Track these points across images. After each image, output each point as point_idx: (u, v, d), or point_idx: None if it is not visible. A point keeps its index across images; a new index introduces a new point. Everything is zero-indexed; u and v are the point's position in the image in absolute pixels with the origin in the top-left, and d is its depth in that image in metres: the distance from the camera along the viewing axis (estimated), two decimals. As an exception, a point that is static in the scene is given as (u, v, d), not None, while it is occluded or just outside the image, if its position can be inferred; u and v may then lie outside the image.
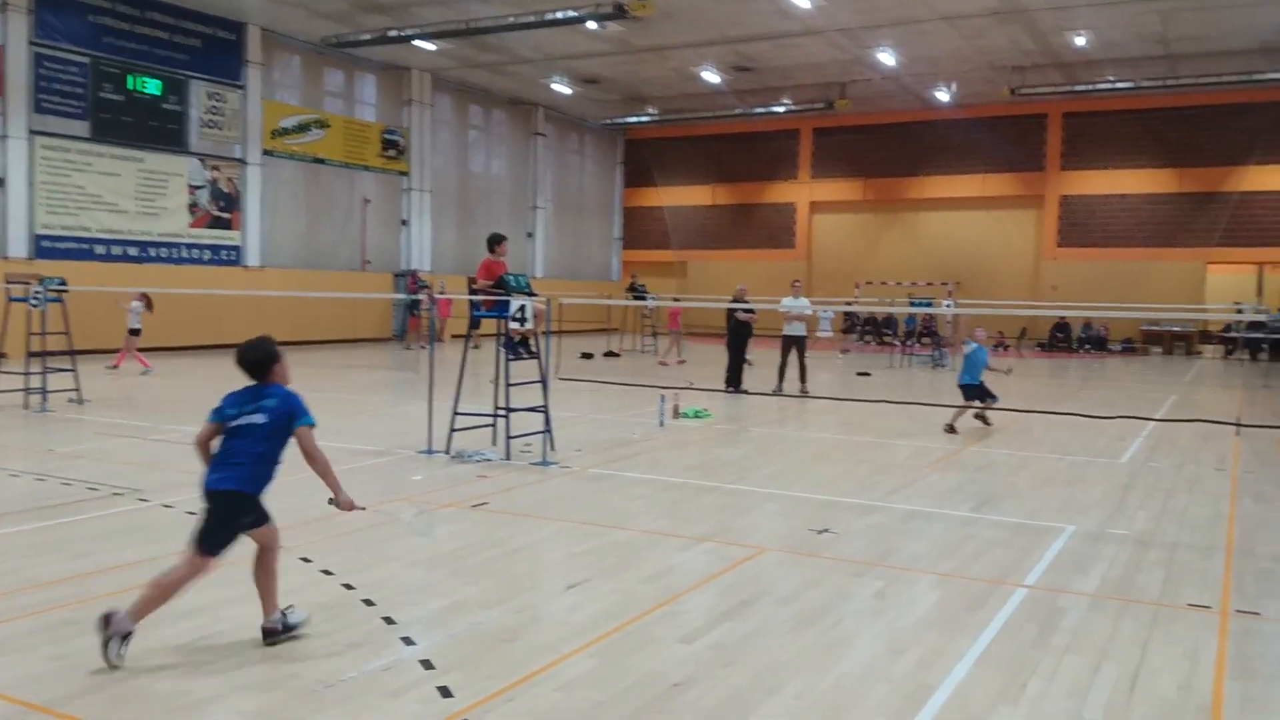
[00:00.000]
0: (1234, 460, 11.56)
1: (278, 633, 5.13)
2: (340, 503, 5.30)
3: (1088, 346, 33.06)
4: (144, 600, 4.89)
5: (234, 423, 5.13)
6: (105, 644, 4.73)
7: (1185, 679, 4.91)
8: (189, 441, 11.32)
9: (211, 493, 5.08)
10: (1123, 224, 33.94)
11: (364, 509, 5.54)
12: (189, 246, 25.56)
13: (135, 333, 19.15)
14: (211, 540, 5.03)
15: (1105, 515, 8.58)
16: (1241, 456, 11.84)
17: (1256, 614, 5.96)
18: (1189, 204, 32.90)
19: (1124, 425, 13.89)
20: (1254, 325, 29.89)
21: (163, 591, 4.95)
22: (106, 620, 4.75)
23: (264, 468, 5.13)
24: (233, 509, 5.08)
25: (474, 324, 11.55)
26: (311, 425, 5.18)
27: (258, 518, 5.17)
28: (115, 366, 19.18)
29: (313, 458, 5.14)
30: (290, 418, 5.13)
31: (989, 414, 13.81)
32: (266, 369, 5.24)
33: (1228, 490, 9.81)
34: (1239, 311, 28.99)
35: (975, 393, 13.59)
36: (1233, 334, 31.24)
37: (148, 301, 19.23)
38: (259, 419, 5.09)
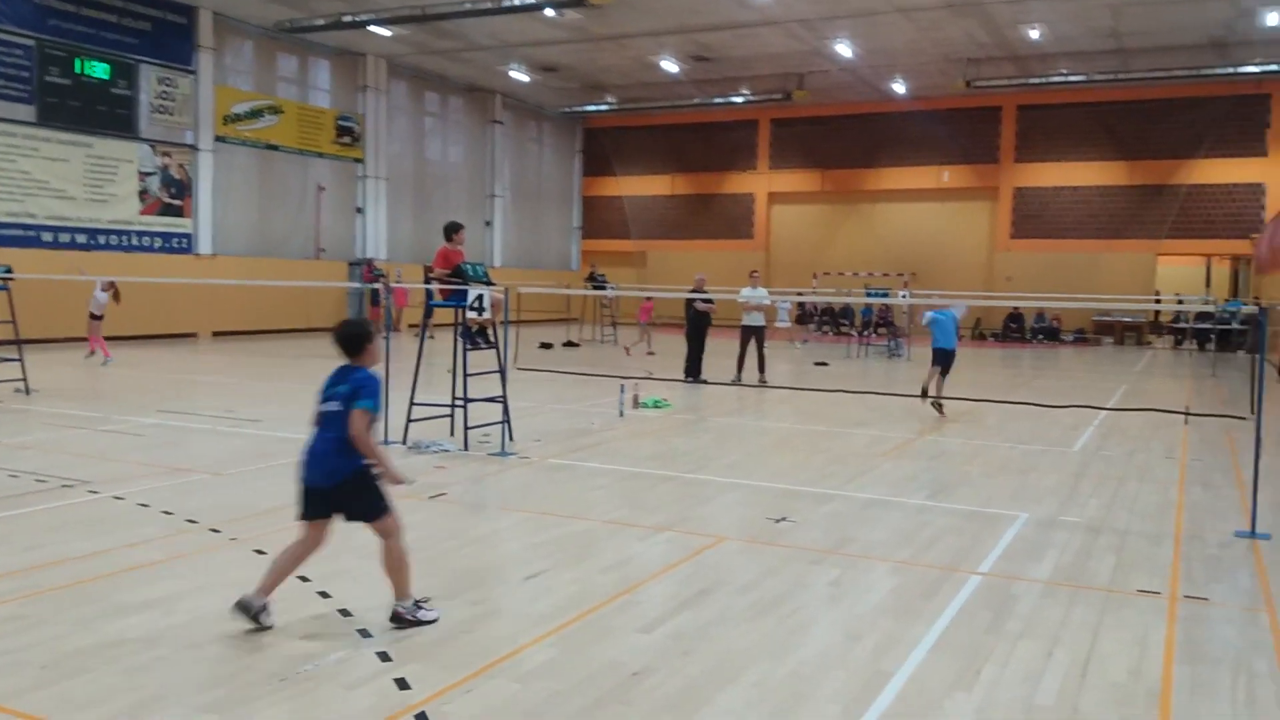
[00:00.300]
0: (1183, 449, 11.79)
1: (405, 620, 5.25)
2: (390, 476, 5.34)
3: (1041, 337, 33.52)
4: (396, 578, 5.25)
5: (319, 408, 5.30)
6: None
7: (1135, 664, 5.00)
8: (138, 433, 11.20)
9: (329, 488, 5.19)
10: (1075, 216, 34.42)
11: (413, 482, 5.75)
12: (139, 234, 25.11)
13: (97, 318, 18.74)
14: (377, 506, 5.23)
15: (1058, 503, 8.71)
16: (1190, 445, 12.07)
17: (1204, 599, 6.08)
18: (1140, 196, 33.44)
19: (1076, 414, 14.10)
20: (1202, 316, 30.51)
21: (401, 567, 5.28)
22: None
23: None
24: (361, 483, 5.22)
25: (428, 313, 11.45)
26: (370, 410, 5.20)
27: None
28: (99, 355, 18.72)
29: (356, 439, 5.15)
30: (353, 399, 5.17)
31: (944, 404, 13.97)
32: (359, 347, 5.35)
33: (1177, 478, 9.99)
34: (1179, 302, 29.57)
35: (946, 358, 13.87)
36: (1182, 325, 31.84)
37: (115, 292, 18.79)
38: (334, 406, 5.21)
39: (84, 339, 19.27)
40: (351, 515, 5.25)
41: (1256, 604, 6.03)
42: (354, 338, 5.36)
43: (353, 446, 5.13)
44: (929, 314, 14.29)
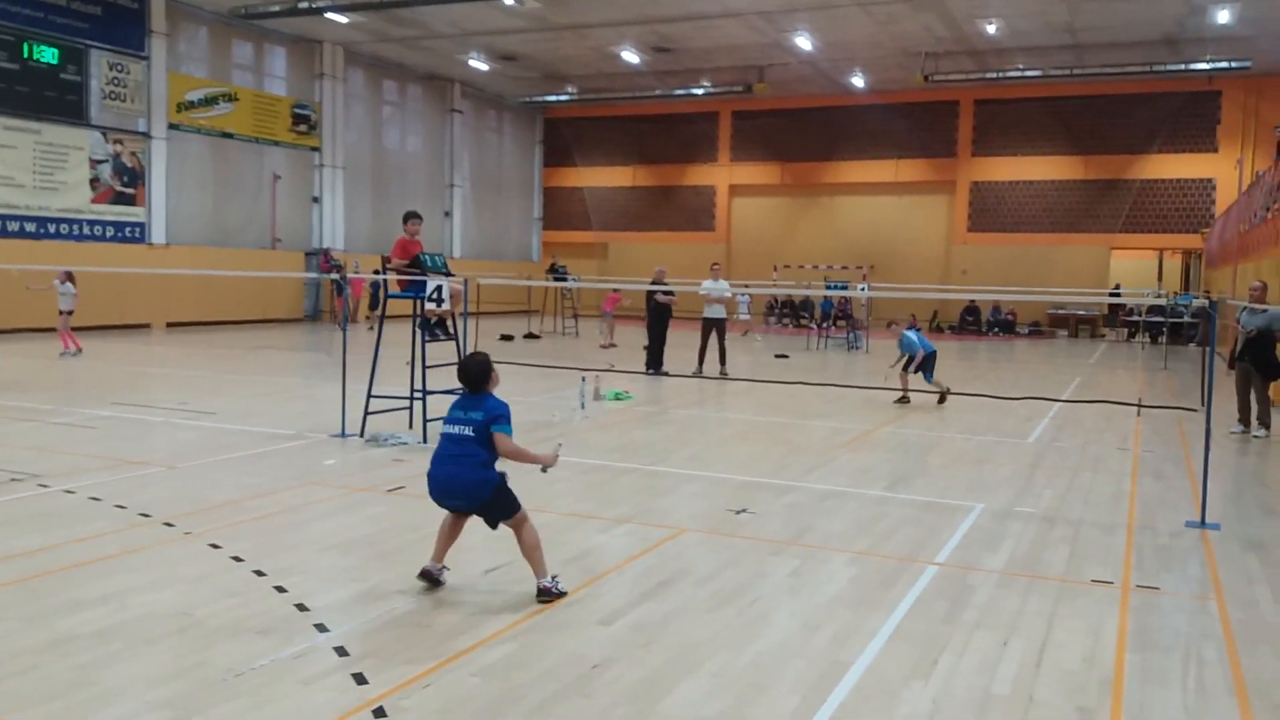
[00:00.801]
0: (1135, 440, 11.98)
1: (551, 594, 5.60)
2: (547, 464, 5.90)
3: (996, 329, 33.91)
4: (534, 563, 5.66)
5: (447, 430, 5.71)
6: None
7: (1089, 652, 5.07)
8: (91, 425, 11.00)
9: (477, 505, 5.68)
10: (1031, 210, 34.85)
11: (558, 453, 6.03)
12: (90, 223, 24.66)
13: (68, 313, 18.23)
14: (509, 507, 5.67)
15: (1013, 494, 8.82)
16: (1142, 436, 12.27)
17: (1156, 589, 6.18)
18: (1094, 191, 33.92)
19: (1031, 406, 14.29)
20: (1153, 309, 31.01)
21: (536, 550, 5.68)
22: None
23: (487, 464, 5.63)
24: (501, 497, 5.64)
25: (374, 304, 11.32)
26: (508, 434, 5.62)
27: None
28: (77, 351, 18.17)
29: (517, 456, 5.70)
30: (490, 425, 5.59)
31: (943, 389, 14.40)
32: (483, 380, 5.75)
33: (1129, 469, 10.15)
34: (1115, 295, 30.00)
35: (923, 362, 14.26)
36: (1135, 318, 32.34)
37: (72, 278, 18.24)
38: (468, 431, 5.60)
39: (49, 330, 18.79)
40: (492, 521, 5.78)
41: (1206, 592, 6.15)
42: (477, 375, 5.76)
43: (489, 466, 5.62)
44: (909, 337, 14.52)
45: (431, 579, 5.74)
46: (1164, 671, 4.86)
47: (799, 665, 4.79)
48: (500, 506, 5.65)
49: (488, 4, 25.27)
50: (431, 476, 5.65)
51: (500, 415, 5.61)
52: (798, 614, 5.52)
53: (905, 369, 14.37)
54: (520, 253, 41.93)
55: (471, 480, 5.55)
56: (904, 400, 14.37)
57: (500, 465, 5.65)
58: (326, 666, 4.63)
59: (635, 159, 40.81)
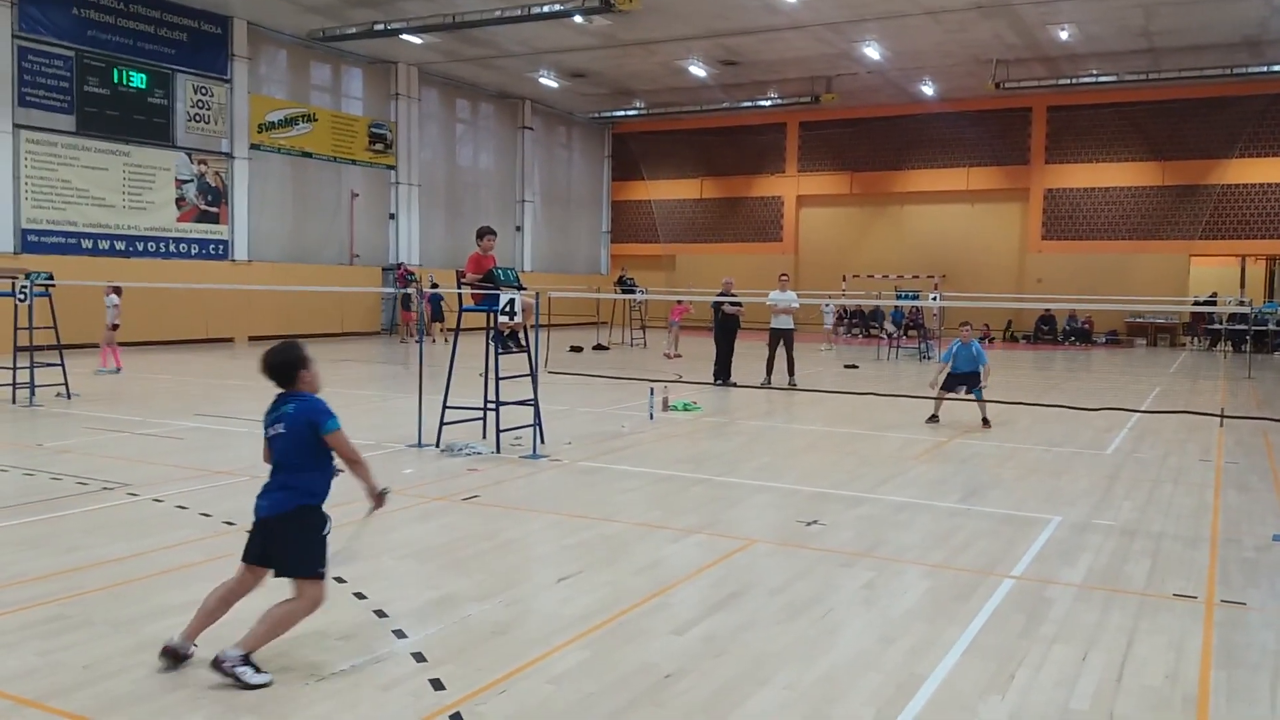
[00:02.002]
0: (1218, 451, 11.66)
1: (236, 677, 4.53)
2: (375, 500, 4.97)
3: (1073, 339, 33.22)
4: (255, 635, 4.61)
5: (267, 434, 4.86)
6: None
7: (1172, 668, 4.96)
8: (177, 436, 11.34)
9: (267, 520, 4.80)
10: (1106, 217, 34.11)
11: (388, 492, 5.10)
12: (176, 241, 25.46)
13: (115, 328, 18.41)
14: (309, 562, 4.74)
15: (1091, 506, 8.65)
16: (1225, 447, 11.94)
17: (1242, 604, 6.02)
18: (1172, 197, 33.08)
19: (1109, 417, 13.97)
20: (1236, 317, 30.10)
21: (277, 628, 4.68)
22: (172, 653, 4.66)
23: (307, 478, 4.79)
24: (305, 524, 4.78)
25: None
26: (337, 430, 4.82)
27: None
28: (115, 369, 18.08)
29: (352, 461, 4.84)
30: (313, 426, 4.76)
31: (987, 414, 13.44)
32: (290, 375, 4.86)
33: (1212, 481, 9.89)
34: (1212, 302, 29.19)
35: (962, 380, 13.29)
36: (1216, 326, 31.43)
37: (119, 292, 18.26)
38: (280, 429, 4.78)
39: (127, 344, 18.98)
40: None
41: (1295, 608, 5.97)
42: (283, 366, 4.87)
43: (313, 470, 4.84)
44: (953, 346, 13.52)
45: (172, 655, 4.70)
46: (1251, 689, 4.74)
47: (873, 678, 4.76)
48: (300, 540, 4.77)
49: (557, 22, 25.55)
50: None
51: (323, 412, 4.82)
52: (871, 626, 5.49)
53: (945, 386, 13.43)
54: (589, 266, 42.22)
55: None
56: (934, 419, 13.49)
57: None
58: (405, 672, 4.72)
59: (703, 171, 40.86)
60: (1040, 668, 4.92)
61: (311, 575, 4.73)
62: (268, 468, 4.95)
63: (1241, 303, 30.44)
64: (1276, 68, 27.69)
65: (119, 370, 18.06)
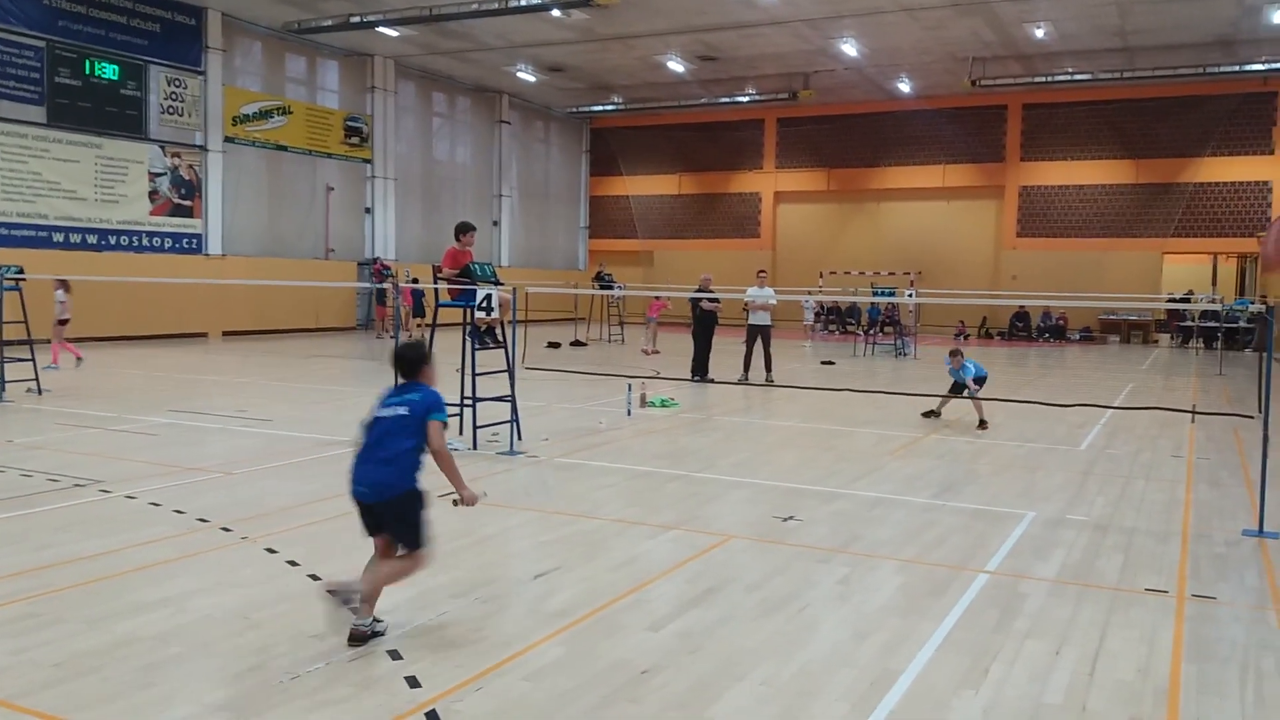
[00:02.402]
0: (1189, 447, 11.78)
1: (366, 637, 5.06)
2: (463, 499, 5.40)
3: (1047, 335, 33.49)
4: (369, 595, 5.08)
5: (378, 414, 5.24)
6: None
7: (1144, 662, 5.01)
8: (151, 432, 11.25)
9: (373, 505, 5.16)
10: (1081, 214, 34.38)
11: (485, 495, 5.72)
12: (149, 234, 25.21)
13: (64, 323, 17.25)
14: (420, 536, 5.19)
15: (1065, 501, 8.72)
16: (1197, 443, 12.07)
17: (1212, 598, 6.09)
18: (1145, 195, 33.38)
19: (1083, 413, 14.10)
20: (1208, 314, 30.44)
21: (390, 579, 5.20)
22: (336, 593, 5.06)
23: (411, 460, 5.19)
24: (414, 504, 5.18)
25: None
26: (441, 422, 5.25)
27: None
28: (77, 361, 17.34)
29: (439, 454, 5.19)
30: (429, 411, 5.20)
31: (984, 416, 13.30)
32: (416, 368, 5.42)
33: (1183, 476, 9.99)
34: (1187, 300, 29.50)
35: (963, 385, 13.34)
36: (1188, 323, 31.77)
37: (66, 287, 17.31)
38: (402, 410, 5.18)
39: (102, 339, 18.62)
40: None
41: (1264, 602, 6.04)
42: (414, 360, 5.48)
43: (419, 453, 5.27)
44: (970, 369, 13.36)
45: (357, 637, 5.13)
46: (1221, 683, 4.79)
47: (848, 673, 4.79)
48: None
49: (535, 16, 25.48)
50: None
51: (440, 405, 5.29)
52: (846, 622, 5.51)
53: (952, 393, 13.61)
54: (567, 261, 42.16)
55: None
56: (935, 414, 13.63)
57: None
58: (381, 670, 4.71)
59: (681, 167, 40.87)
60: (1014, 662, 4.96)
61: (422, 546, 5.20)
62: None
63: (1214, 300, 30.77)
64: (1249, 67, 27.96)
65: (80, 361, 17.17)
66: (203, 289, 25.23)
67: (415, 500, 5.15)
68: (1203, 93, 31.52)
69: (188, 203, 26.11)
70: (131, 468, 9.28)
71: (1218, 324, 29.18)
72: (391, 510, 5.12)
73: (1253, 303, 28.13)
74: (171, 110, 25.54)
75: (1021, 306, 33.67)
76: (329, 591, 5.05)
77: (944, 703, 4.48)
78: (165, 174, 25.51)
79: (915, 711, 4.39)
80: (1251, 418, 12.53)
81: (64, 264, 21.96)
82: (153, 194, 25.23)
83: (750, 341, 17.72)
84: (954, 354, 13.59)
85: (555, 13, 24.83)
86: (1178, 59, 28.49)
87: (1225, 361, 24.58)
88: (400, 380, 5.45)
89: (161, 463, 9.57)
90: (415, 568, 5.22)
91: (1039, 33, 26.43)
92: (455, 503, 5.38)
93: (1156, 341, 32.89)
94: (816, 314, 35.94)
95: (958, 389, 13.58)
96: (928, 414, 13.76)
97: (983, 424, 13.17)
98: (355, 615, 5.04)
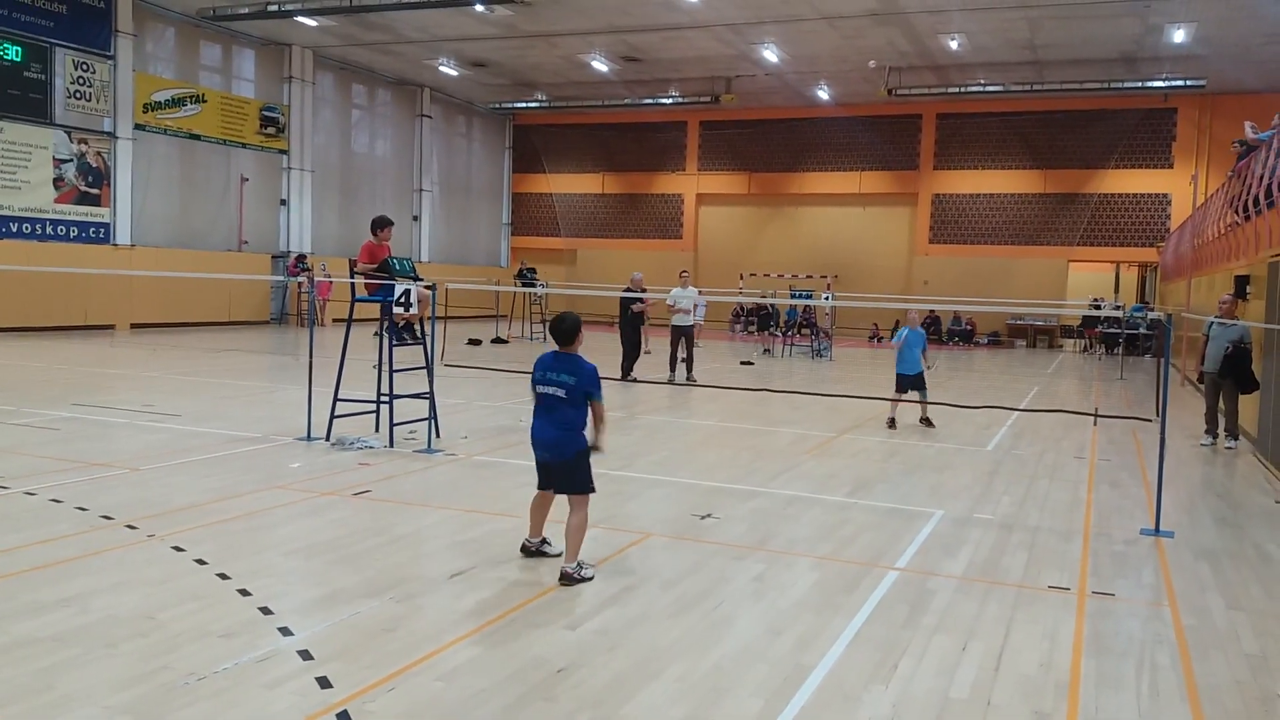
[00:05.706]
0: (1092, 449, 12.18)
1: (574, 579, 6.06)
2: (599, 448, 6.33)
3: (956, 339, 34.29)
4: (571, 549, 6.13)
5: (543, 389, 6.31)
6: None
7: (1046, 657, 5.17)
8: (53, 427, 10.88)
9: (551, 464, 6.32)
10: (991, 222, 35.30)
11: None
12: (54, 223, 24.32)
13: None
14: (588, 483, 6.35)
15: (972, 501, 8.95)
16: (1099, 445, 12.48)
17: (1111, 595, 6.31)
18: (1053, 204, 34.41)
19: (990, 415, 14.47)
20: (1110, 320, 31.48)
21: (581, 533, 6.19)
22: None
23: (579, 427, 6.25)
24: (583, 460, 6.28)
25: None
26: (600, 400, 6.25)
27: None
28: None
29: (600, 420, 6.26)
30: (587, 394, 6.20)
31: (930, 413, 13.41)
32: (572, 337, 6.30)
33: (1085, 477, 10.33)
34: (1098, 306, 30.46)
35: (911, 382, 13.16)
36: (1113, 330, 32.77)
37: None
38: (560, 393, 6.20)
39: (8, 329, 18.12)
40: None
41: (1160, 599, 6.29)
42: (569, 331, 6.29)
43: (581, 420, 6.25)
44: (903, 330, 13.19)
45: (529, 551, 6.54)
46: (1119, 676, 4.97)
47: (761, 669, 4.85)
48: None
49: (458, 10, 25.24)
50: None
51: (596, 383, 6.21)
52: (761, 618, 5.58)
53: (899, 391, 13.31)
54: (489, 258, 41.85)
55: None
56: (927, 421, 13.34)
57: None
58: (290, 670, 4.63)
59: (604, 166, 40.88)
60: (922, 657, 5.08)
61: (589, 491, 6.33)
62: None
63: (1117, 307, 31.82)
64: (1151, 84, 29.00)
65: None
66: (110, 280, 24.43)
67: (583, 457, 6.23)
68: (1108, 107, 32.61)
69: (95, 191, 25.26)
70: (31, 463, 8.95)
71: (1119, 330, 30.22)
72: (565, 467, 6.25)
73: (1150, 309, 29.21)
74: (79, 95, 24.69)
75: (932, 311, 34.41)
76: (561, 579, 6.02)
77: (854, 697, 4.57)
78: (71, 160, 24.65)
79: (826, 706, 4.47)
80: (1150, 421, 12.98)
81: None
82: (58, 181, 24.36)
83: (675, 342, 17.83)
84: (910, 311, 13.52)
85: (478, 8, 24.64)
86: (1084, 73, 29.41)
87: (1125, 366, 25.45)
88: (557, 349, 6.33)
89: (63, 458, 9.25)
90: (586, 508, 6.27)
91: (953, 44, 27.05)
92: (593, 449, 6.32)
93: (1061, 347, 33.91)
94: (736, 315, 36.30)
95: (902, 386, 13.20)
96: (891, 424, 13.17)
97: (928, 421, 13.30)
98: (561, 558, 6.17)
